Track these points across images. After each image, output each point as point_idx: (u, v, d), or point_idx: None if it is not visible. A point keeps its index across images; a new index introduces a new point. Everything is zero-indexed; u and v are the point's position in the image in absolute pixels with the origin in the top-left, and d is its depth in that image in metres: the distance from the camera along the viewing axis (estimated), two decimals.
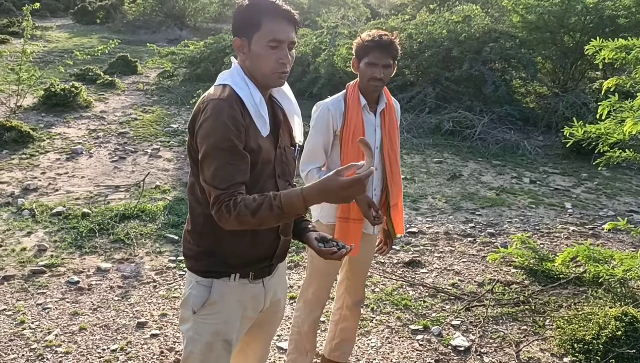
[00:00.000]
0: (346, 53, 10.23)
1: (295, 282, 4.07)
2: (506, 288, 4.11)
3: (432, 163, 7.27)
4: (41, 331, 3.33)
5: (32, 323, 3.41)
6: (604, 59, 3.41)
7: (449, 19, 10.23)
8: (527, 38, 10.05)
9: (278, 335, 3.40)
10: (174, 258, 4.32)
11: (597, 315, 3.48)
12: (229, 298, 1.82)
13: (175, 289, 3.89)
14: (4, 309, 3.54)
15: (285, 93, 1.89)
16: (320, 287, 2.71)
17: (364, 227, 2.60)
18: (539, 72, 10.22)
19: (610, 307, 3.65)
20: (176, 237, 4.63)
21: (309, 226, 1.97)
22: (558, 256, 4.35)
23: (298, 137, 1.94)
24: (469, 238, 5.00)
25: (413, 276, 4.25)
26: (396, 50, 2.44)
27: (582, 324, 3.47)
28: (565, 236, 5.22)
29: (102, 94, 9.96)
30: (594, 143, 3.64)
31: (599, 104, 3.47)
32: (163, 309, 3.65)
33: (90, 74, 10.87)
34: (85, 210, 5.04)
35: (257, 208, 1.55)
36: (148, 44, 12.78)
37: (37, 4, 8.43)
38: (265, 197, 1.56)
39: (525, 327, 3.63)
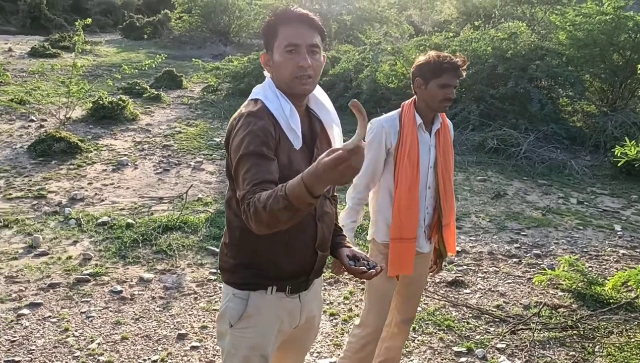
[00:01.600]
0: (389, 69, 10.22)
1: (335, 299, 4.03)
2: (553, 312, 3.96)
3: (476, 181, 7.13)
4: (84, 339, 3.38)
5: (76, 331, 3.46)
6: None
7: (494, 36, 10.10)
8: (575, 56, 9.80)
9: (318, 352, 3.35)
10: (214, 270, 4.34)
11: None
12: (265, 312, 1.80)
13: (216, 302, 3.89)
14: (50, 316, 3.61)
15: (323, 104, 1.85)
16: (380, 309, 2.65)
17: (418, 246, 2.56)
18: (587, 91, 9.96)
19: None
20: (217, 250, 4.65)
21: (343, 241, 1.94)
22: (608, 280, 4.17)
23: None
24: (514, 259, 4.85)
25: (456, 296, 4.14)
26: (463, 72, 2.45)
27: (635, 352, 3.30)
28: (615, 259, 5.01)
29: (148, 107, 10.20)
30: None
31: None
32: (203, 321, 3.65)
33: (137, 87, 11.16)
34: (129, 220, 5.13)
35: (267, 200, 1.46)
36: (193, 59, 13.06)
37: (89, 20, 8.73)
38: (274, 190, 1.47)
39: (573, 352, 3.47)
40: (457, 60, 2.40)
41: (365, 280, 2.48)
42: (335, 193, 1.98)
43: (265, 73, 1.83)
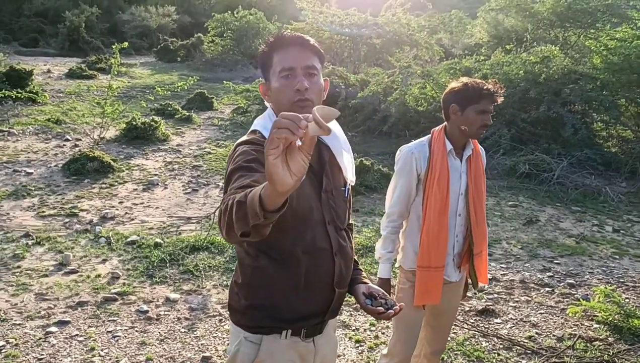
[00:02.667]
0: (418, 93, 10.18)
1: (361, 325, 3.96)
2: (588, 345, 3.80)
3: (507, 206, 6.99)
4: (110, 359, 3.38)
5: (102, 350, 3.47)
6: None
7: (527, 59, 9.99)
8: (610, 80, 9.61)
9: None
10: None
11: None
12: (278, 357, 1.69)
13: None
14: (77, 334, 3.63)
15: (331, 130, 1.77)
16: (408, 339, 2.59)
17: (446, 274, 2.50)
18: (622, 116, 9.73)
19: None
20: None
21: (359, 276, 1.83)
22: None
23: (350, 176, 1.79)
24: (547, 288, 4.70)
25: (486, 326, 4.02)
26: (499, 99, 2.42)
27: None
28: None
29: (179, 128, 10.37)
30: None
31: None
32: (227, 344, 3.62)
33: (169, 108, 11.38)
34: (157, 240, 5.17)
35: (234, 199, 1.26)
36: (224, 82, 13.26)
37: (126, 43, 8.97)
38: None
39: None
40: (491, 86, 2.37)
41: (407, 306, 2.42)
42: (351, 222, 1.89)
43: (267, 103, 1.76)
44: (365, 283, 1.80)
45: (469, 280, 2.65)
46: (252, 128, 1.73)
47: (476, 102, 2.35)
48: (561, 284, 4.80)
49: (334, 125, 1.77)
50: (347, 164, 1.77)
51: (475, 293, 4.51)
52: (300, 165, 1.07)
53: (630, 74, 9.44)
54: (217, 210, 1.41)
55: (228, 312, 1.78)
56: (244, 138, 1.67)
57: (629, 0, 13.39)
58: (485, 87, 2.36)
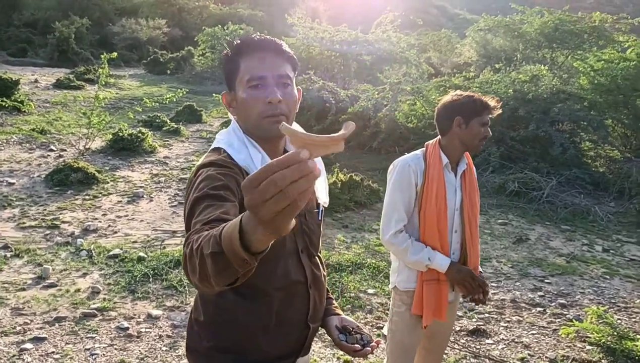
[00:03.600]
0: (408, 109, 10.18)
1: None
2: None
3: (496, 224, 6.93)
4: None
5: None
6: None
7: (516, 78, 10.05)
8: (597, 100, 9.70)
9: None
10: None
11: None
12: None
13: None
14: (53, 352, 3.47)
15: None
16: None
17: None
18: (610, 136, 9.79)
19: None
20: None
21: (331, 307, 1.68)
22: (639, 335, 3.94)
23: (322, 197, 1.60)
24: (539, 308, 4.62)
25: (478, 347, 3.92)
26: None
27: None
28: None
29: (167, 140, 10.24)
30: None
31: None
32: None
33: (157, 120, 11.27)
34: (141, 254, 5.03)
35: (202, 239, 1.03)
36: (214, 94, 13.19)
37: (115, 54, 8.87)
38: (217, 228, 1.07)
39: None
40: (493, 101, 2.38)
41: (404, 330, 2.31)
42: (319, 254, 1.70)
43: (231, 116, 1.55)
44: (338, 315, 1.64)
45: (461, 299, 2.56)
46: (214, 145, 1.50)
47: (479, 114, 2.32)
48: (552, 304, 4.73)
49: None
50: (320, 184, 1.61)
51: (466, 313, 4.42)
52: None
53: (617, 95, 9.54)
54: (184, 252, 1.17)
55: (186, 354, 1.57)
56: (207, 158, 1.45)
57: (614, 23, 13.57)
58: (484, 99, 2.35)
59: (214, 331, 1.49)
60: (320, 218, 1.61)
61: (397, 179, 2.36)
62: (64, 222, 5.78)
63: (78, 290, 4.32)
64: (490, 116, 2.36)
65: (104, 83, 8.93)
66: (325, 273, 1.66)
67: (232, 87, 1.48)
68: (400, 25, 17.91)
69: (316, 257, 1.60)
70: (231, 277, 0.97)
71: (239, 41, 1.47)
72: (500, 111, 2.38)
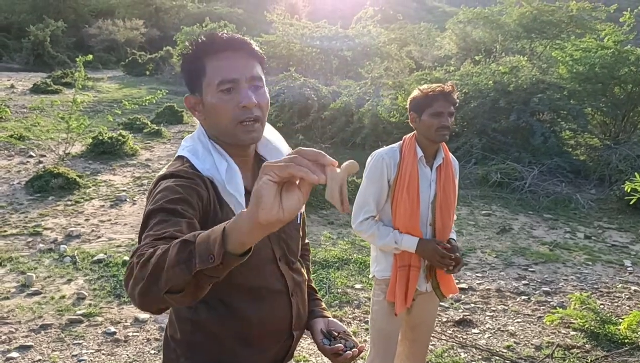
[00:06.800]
0: (390, 104, 10.21)
1: None
2: (566, 352, 3.78)
3: (480, 215, 7.00)
4: None
5: None
6: None
7: (496, 70, 10.13)
8: (576, 89, 9.82)
9: None
10: None
11: None
12: None
13: None
14: (40, 359, 3.44)
15: (276, 146, 1.46)
16: (386, 353, 2.50)
17: (417, 284, 2.43)
18: (589, 124, 9.93)
19: None
20: None
21: (318, 308, 1.60)
22: (621, 319, 4.02)
23: None
24: (523, 297, 4.68)
25: (464, 337, 3.96)
26: (456, 98, 2.38)
27: None
28: (627, 296, 4.84)
29: (148, 143, 10.16)
30: None
31: None
32: None
33: (137, 123, 11.17)
34: (125, 258, 4.99)
35: (161, 251, 1.01)
36: None
37: (90, 56, 8.76)
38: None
39: None
40: (444, 87, 2.34)
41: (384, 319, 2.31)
42: (307, 242, 1.70)
43: (196, 119, 1.44)
44: (325, 317, 1.57)
45: (449, 295, 2.59)
46: (178, 152, 1.41)
47: (429, 105, 2.33)
48: (537, 292, 4.79)
49: (277, 139, 1.50)
50: None
51: (452, 304, 4.46)
52: (294, 203, 0.88)
53: (595, 83, 9.66)
54: (131, 262, 1.09)
55: None
56: (168, 169, 1.36)
57: (591, 11, 13.75)
58: (432, 90, 2.33)
59: (191, 348, 1.41)
60: (299, 222, 1.53)
61: (370, 171, 2.41)
62: (46, 229, 5.71)
63: (63, 297, 4.28)
64: (451, 105, 2.33)
65: (81, 86, 8.81)
66: (307, 277, 1.61)
67: (196, 89, 1.36)
68: (380, 19, 17.95)
69: (297, 263, 1.53)
70: (183, 275, 0.95)
71: (203, 39, 1.35)
72: (456, 100, 2.36)
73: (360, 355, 1.45)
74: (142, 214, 1.28)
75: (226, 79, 1.30)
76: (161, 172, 1.35)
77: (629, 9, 9.82)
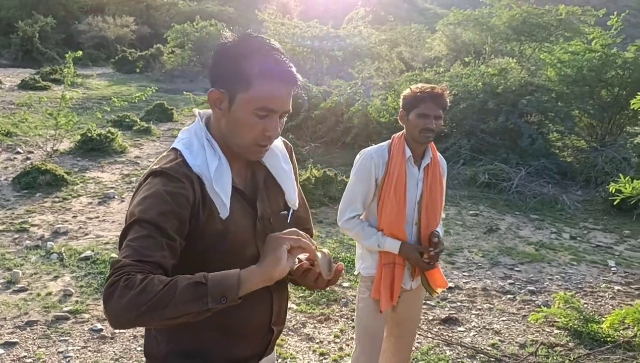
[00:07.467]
0: (380, 104, 10.25)
1: (325, 337, 3.88)
2: (550, 350, 3.83)
3: (468, 215, 7.05)
4: None
5: None
6: None
7: (485, 71, 10.20)
8: (564, 92, 9.91)
9: None
10: None
11: None
12: None
13: None
14: (25, 356, 3.43)
15: (270, 147, 1.46)
16: (371, 349, 2.52)
17: (402, 282, 2.46)
18: (577, 126, 10.03)
19: None
20: None
21: None
22: (604, 317, 4.07)
23: (292, 199, 1.52)
24: (509, 296, 4.73)
25: (450, 335, 4.00)
26: (446, 102, 2.39)
27: None
28: (610, 296, 4.90)
29: (138, 140, 10.12)
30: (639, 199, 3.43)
31: None
32: None
33: (127, 120, 11.12)
34: (113, 255, 4.97)
35: (173, 278, 1.17)
36: (184, 92, 13.06)
37: (80, 52, 8.72)
38: (178, 277, 1.19)
39: None
40: (434, 89, 2.35)
41: (368, 315, 2.33)
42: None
43: (196, 112, 1.46)
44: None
45: (439, 290, 2.62)
46: (174, 144, 1.41)
47: (416, 105, 2.35)
48: (522, 291, 4.85)
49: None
50: (290, 185, 1.51)
51: (438, 302, 4.50)
52: (290, 264, 1.25)
53: (582, 86, 9.76)
54: (109, 279, 1.16)
55: (145, 361, 1.53)
56: (161, 162, 1.36)
57: (580, 15, 13.87)
58: (421, 90, 2.35)
59: (171, 336, 1.43)
60: (289, 221, 1.52)
61: (358, 170, 2.43)
62: (33, 225, 5.68)
63: (49, 294, 4.26)
64: (440, 108, 2.34)
65: (70, 82, 8.76)
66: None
67: (226, 88, 1.33)
68: (372, 20, 17.99)
69: None
70: (194, 310, 1.17)
71: (261, 57, 1.31)
72: (446, 103, 2.37)
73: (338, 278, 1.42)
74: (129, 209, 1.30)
75: (267, 108, 1.32)
76: (153, 166, 1.36)
77: (615, 12, 9.93)
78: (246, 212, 1.41)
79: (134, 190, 1.36)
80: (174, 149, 1.40)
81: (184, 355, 1.43)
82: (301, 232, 1.28)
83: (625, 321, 3.91)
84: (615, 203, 3.80)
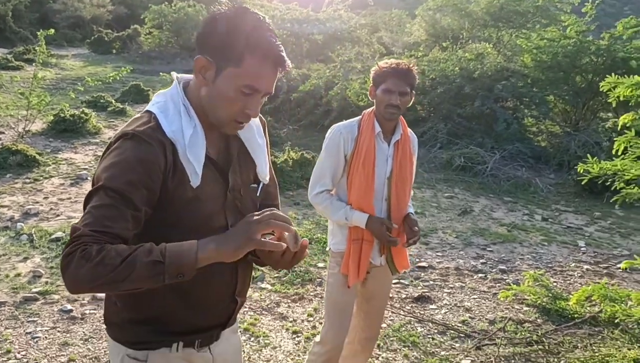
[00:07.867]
0: (359, 87, 10.24)
1: (298, 316, 3.90)
2: (518, 327, 3.91)
3: (443, 198, 7.12)
4: (27, 361, 3.17)
5: (19, 352, 3.25)
6: (618, 96, 3.29)
7: (462, 56, 10.24)
8: (539, 77, 10.02)
9: None
10: None
11: (615, 357, 3.31)
12: None
13: None
14: None
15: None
16: (340, 325, 2.53)
17: (371, 257, 2.47)
18: (551, 111, 10.16)
19: (628, 349, 3.45)
20: None
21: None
22: (572, 295, 4.16)
23: (263, 173, 1.51)
24: (480, 274, 4.81)
25: (422, 312, 4.06)
26: (413, 79, 2.37)
27: None
28: (579, 275, 5.01)
29: (112, 121, 9.97)
30: (609, 180, 3.50)
31: (614, 140, 3.34)
32: None
33: (101, 101, 10.93)
34: None
35: (132, 252, 1.17)
36: (161, 73, 12.87)
37: (52, 30, 8.52)
38: (147, 245, 1.21)
39: None
40: (400, 66, 2.33)
41: (337, 290, 2.35)
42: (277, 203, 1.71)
43: (174, 75, 1.42)
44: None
45: (401, 270, 2.63)
46: (148, 106, 1.38)
47: (383, 81, 2.35)
48: (493, 270, 4.93)
49: None
50: (262, 159, 1.51)
51: (412, 281, 4.55)
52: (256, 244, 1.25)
53: (557, 72, 9.87)
54: (66, 248, 1.19)
55: (105, 328, 1.52)
56: (134, 124, 1.33)
57: (557, 2, 13.97)
58: (387, 66, 2.35)
59: (133, 303, 1.41)
60: (258, 193, 1.52)
61: (327, 145, 2.43)
62: (2, 206, 5.57)
63: (18, 275, 4.20)
64: (407, 85, 2.33)
65: (42, 61, 8.57)
66: None
67: (217, 61, 1.29)
68: (352, 5, 17.90)
69: None
70: (153, 283, 1.21)
71: (256, 35, 1.28)
72: (414, 81, 2.36)
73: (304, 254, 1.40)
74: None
75: (254, 87, 1.30)
76: (125, 127, 1.32)
77: (590, 0, 10.02)
78: (217, 183, 1.40)
79: (106, 150, 1.32)
80: (148, 111, 1.36)
81: (145, 322, 1.42)
82: (280, 214, 1.25)
83: (592, 297, 3.99)
84: (583, 183, 3.87)
